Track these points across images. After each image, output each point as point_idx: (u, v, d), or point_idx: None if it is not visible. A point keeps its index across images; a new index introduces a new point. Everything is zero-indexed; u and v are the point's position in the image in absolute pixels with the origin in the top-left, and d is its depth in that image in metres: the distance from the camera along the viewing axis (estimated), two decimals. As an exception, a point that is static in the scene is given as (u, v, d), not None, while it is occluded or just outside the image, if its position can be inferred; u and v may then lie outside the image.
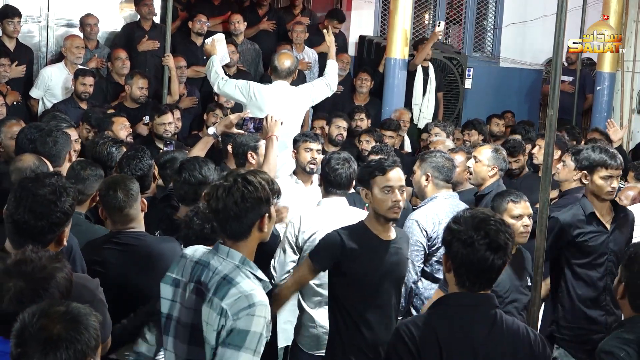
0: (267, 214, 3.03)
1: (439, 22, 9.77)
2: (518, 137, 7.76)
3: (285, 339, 5.13)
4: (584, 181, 4.82)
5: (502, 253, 2.86)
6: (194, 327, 3.01)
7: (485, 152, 5.79)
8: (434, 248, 4.77)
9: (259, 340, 2.89)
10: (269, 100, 6.60)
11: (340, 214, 4.54)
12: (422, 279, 4.85)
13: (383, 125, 8.41)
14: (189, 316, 3.03)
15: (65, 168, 4.87)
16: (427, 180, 5.01)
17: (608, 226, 4.84)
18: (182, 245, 4.36)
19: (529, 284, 4.53)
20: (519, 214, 4.54)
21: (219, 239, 3.09)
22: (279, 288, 4.30)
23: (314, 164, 5.67)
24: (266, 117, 5.27)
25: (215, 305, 2.92)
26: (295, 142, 5.79)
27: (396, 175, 4.09)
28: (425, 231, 4.77)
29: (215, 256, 3.04)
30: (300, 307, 4.68)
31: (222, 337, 2.88)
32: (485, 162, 5.75)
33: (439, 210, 4.85)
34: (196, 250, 3.14)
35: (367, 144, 7.66)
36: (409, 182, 7.51)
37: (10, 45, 8.61)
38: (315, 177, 5.91)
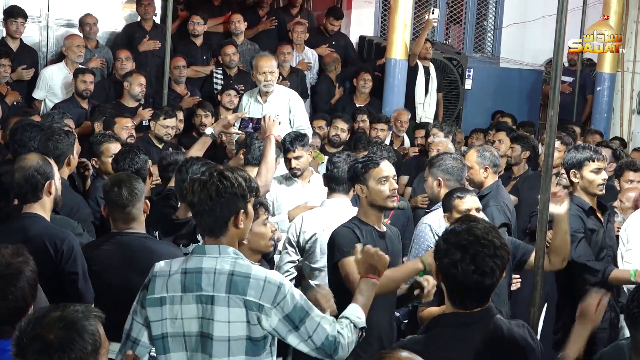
0: (242, 210, 3.00)
1: (433, 10, 9.66)
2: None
3: None
4: (574, 179, 4.85)
5: (490, 276, 2.77)
6: (203, 335, 2.97)
7: (471, 157, 5.67)
8: None
9: (305, 298, 3.01)
10: None
11: (344, 214, 4.51)
12: None
13: (373, 121, 8.42)
14: (193, 326, 2.98)
15: (65, 172, 4.85)
16: (439, 185, 4.99)
17: (602, 221, 4.89)
18: (182, 245, 4.36)
19: None
20: (466, 208, 4.55)
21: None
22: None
23: (297, 169, 5.74)
24: (264, 117, 5.27)
25: (235, 302, 2.91)
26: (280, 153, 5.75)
27: (388, 166, 4.18)
28: (438, 236, 4.74)
29: (205, 258, 3.00)
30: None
31: (283, 328, 2.93)
32: (475, 167, 5.65)
33: None
34: (171, 264, 3.06)
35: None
36: (408, 182, 7.57)
37: (14, 45, 8.60)
38: (315, 177, 5.91)
